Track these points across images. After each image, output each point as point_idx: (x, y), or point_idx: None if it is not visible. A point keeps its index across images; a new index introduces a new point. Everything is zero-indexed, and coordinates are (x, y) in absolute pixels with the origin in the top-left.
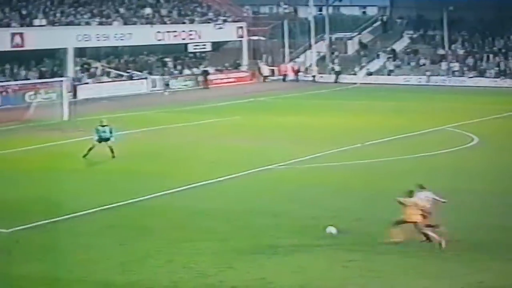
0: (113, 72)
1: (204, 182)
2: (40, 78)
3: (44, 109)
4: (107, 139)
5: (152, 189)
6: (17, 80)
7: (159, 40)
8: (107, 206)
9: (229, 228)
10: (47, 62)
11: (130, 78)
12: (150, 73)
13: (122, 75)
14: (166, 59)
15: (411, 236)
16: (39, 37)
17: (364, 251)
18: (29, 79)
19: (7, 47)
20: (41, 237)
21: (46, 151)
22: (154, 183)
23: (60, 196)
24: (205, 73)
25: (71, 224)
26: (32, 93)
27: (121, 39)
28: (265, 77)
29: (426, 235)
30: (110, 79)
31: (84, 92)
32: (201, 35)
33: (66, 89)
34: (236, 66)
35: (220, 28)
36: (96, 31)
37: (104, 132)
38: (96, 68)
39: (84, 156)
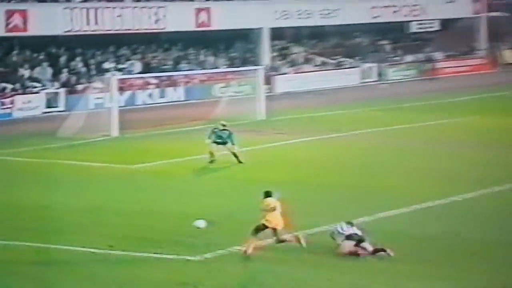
0: (318, 59)
1: (431, 203)
2: (230, 66)
3: (236, 105)
4: (223, 143)
5: (374, 209)
6: (204, 68)
7: (375, 17)
8: (317, 229)
9: (465, 262)
10: (238, 46)
11: (338, 66)
12: (363, 60)
13: (328, 63)
14: (383, 42)
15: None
16: (228, 14)
17: None
18: (217, 67)
19: (191, 27)
20: (237, 266)
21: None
22: (373, 201)
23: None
24: (431, 59)
25: (273, 251)
26: (222, 85)
27: (328, 17)
28: (509, 65)
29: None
30: (313, 68)
31: (282, 84)
32: (427, 11)
33: (262, 80)
34: (471, 51)
35: (451, 1)
36: (297, 7)
37: (221, 136)
38: (297, 54)
39: (211, 161)
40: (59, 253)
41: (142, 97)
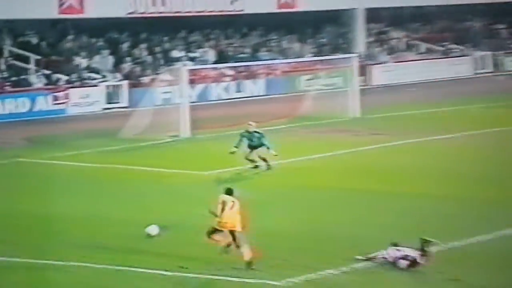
0: (422, 45)
1: None
2: (318, 54)
3: (325, 100)
4: (259, 146)
5: (493, 225)
6: (287, 57)
7: None
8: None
9: None
10: (327, 30)
11: (446, 54)
12: (475, 48)
13: (434, 50)
14: (499, 26)
15: None
16: None
17: None
18: (303, 56)
19: (273, 8)
20: None
21: (330, 162)
22: (492, 217)
23: (356, 231)
24: None
25: (364, 275)
26: (309, 76)
27: None
28: None
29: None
30: (416, 56)
31: (380, 75)
32: None
33: (356, 71)
34: None
35: None
36: None
37: (251, 139)
38: (397, 39)
39: (255, 167)
40: (125, 276)
41: (216, 91)
